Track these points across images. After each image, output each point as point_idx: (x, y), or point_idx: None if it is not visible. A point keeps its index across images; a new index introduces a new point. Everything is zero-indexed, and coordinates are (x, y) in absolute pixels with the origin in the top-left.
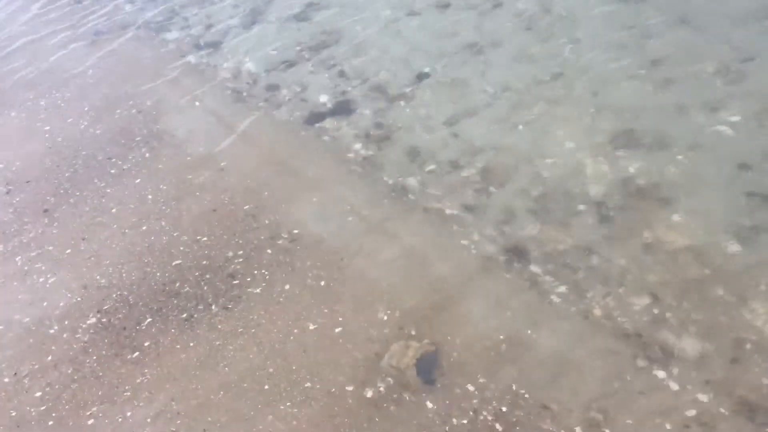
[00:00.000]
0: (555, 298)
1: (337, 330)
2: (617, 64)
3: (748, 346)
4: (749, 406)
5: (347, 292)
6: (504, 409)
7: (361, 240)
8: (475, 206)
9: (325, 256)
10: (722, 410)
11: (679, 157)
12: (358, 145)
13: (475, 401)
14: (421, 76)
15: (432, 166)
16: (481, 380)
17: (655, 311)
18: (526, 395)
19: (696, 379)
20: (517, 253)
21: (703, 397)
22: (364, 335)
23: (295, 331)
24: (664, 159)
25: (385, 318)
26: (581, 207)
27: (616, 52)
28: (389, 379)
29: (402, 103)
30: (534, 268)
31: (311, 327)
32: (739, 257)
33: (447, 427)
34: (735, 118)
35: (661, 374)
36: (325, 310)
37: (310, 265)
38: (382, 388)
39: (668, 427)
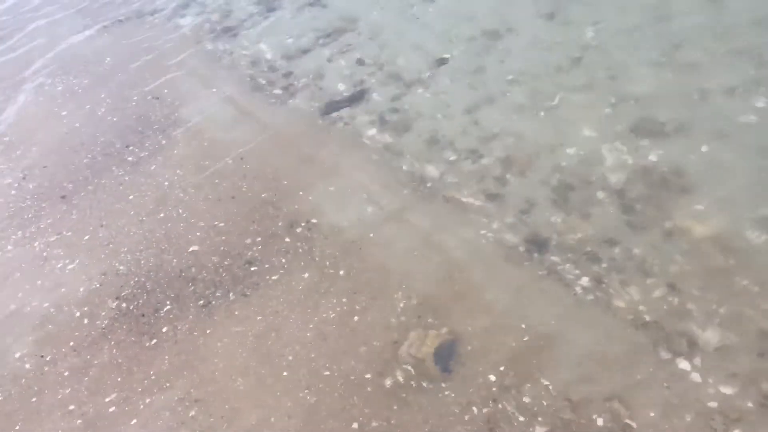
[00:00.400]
0: (576, 289)
1: (355, 318)
2: (638, 49)
3: None
4: None
5: (366, 281)
6: (525, 399)
7: (379, 228)
8: (495, 195)
9: (344, 244)
10: (747, 403)
11: (702, 145)
12: (375, 133)
13: (495, 390)
14: (440, 63)
15: (451, 154)
16: (501, 369)
17: (678, 302)
18: (548, 385)
19: (720, 372)
20: (538, 242)
21: (727, 390)
22: (383, 323)
23: (314, 318)
24: (686, 147)
25: (404, 306)
26: (602, 196)
27: (637, 37)
28: (408, 367)
29: (420, 90)
30: (554, 258)
31: (330, 315)
32: (764, 247)
33: (467, 416)
34: (760, 104)
35: (684, 366)
36: (344, 299)
37: (329, 254)
38: (400, 377)
39: (691, 419)
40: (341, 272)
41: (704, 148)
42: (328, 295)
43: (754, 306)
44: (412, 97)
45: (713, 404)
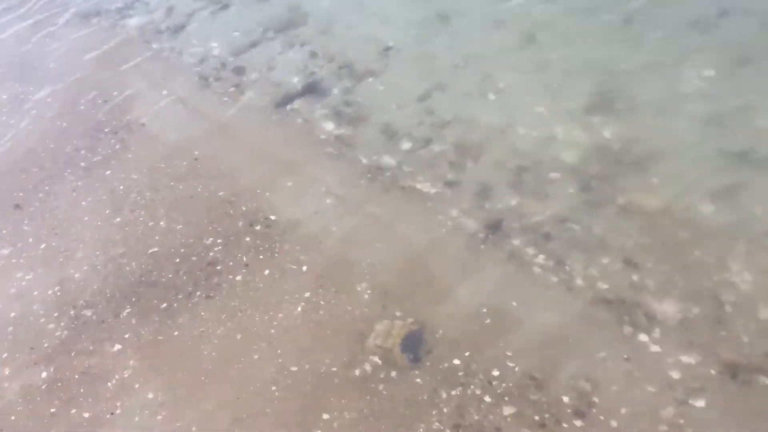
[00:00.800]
0: (537, 270)
1: (320, 312)
2: (588, 24)
3: (728, 306)
4: (732, 365)
5: (328, 275)
6: (492, 382)
7: (339, 221)
8: (452, 182)
9: (304, 239)
10: (706, 371)
11: (654, 118)
12: (330, 126)
13: (462, 375)
14: (390, 51)
15: (407, 143)
16: (467, 354)
17: (636, 277)
18: (514, 367)
19: (680, 342)
20: (497, 226)
21: (687, 360)
22: (348, 316)
23: (279, 315)
24: (638, 121)
25: (368, 298)
26: (557, 176)
27: (587, 12)
28: (376, 358)
29: (372, 79)
30: (514, 241)
31: (294, 311)
32: (715, 217)
33: (436, 402)
34: (709, 74)
35: (645, 339)
36: (307, 294)
37: (290, 249)
38: (368, 368)
39: (654, 390)
40: (303, 268)
41: (655, 121)
42: (291, 292)
43: (708, 276)
44: (365, 88)
45: (675, 374)
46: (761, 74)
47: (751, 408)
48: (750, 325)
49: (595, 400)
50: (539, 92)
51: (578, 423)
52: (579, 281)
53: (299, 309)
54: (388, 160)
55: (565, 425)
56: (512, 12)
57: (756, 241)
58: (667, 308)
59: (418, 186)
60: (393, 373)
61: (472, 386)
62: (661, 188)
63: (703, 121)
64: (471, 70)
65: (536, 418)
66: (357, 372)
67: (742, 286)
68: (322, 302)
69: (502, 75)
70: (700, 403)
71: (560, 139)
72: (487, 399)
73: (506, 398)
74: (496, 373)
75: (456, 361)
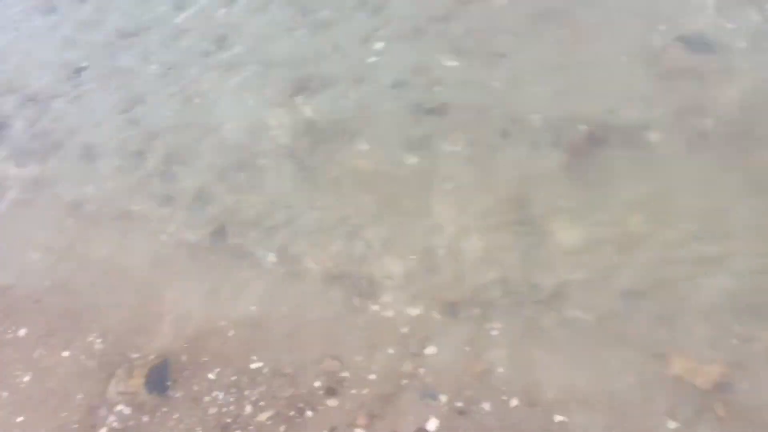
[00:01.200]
0: (267, 265)
1: (52, 376)
2: (274, 20)
3: (439, 250)
4: (451, 304)
5: (53, 333)
6: (245, 391)
7: (53, 273)
8: (167, 195)
9: (18, 303)
10: (432, 316)
11: (348, 91)
12: (15, 169)
13: (216, 394)
14: (79, 71)
15: (112, 164)
16: (217, 371)
17: (358, 247)
18: (263, 369)
19: (405, 298)
20: (220, 231)
21: (413, 312)
22: (83, 372)
23: (3, 394)
24: (335, 97)
25: (102, 346)
26: (271, 163)
27: (271, 10)
28: (120, 407)
29: (63, 103)
30: (239, 242)
31: (21, 383)
32: (416, 167)
33: (195, 430)
34: (382, 45)
35: (374, 306)
36: (34, 356)
37: (3, 318)
38: (115, 422)
39: (393, 350)
40: (21, 332)
41: (350, 94)
42: (13, 363)
43: (418, 226)
44: (56, 114)
45: (404, 329)
46: (427, 39)
47: (473, 337)
48: (458, 263)
49: (345, 375)
50: (242, 87)
51: (332, 402)
52: (306, 266)
53: (27, 379)
54: (92, 189)
55: (320, 408)
56: (198, 20)
57: (448, 181)
58: (390, 269)
59: (133, 208)
60: (144, 417)
61: (228, 402)
62: (369, 152)
63: (388, 85)
64: (170, 77)
65: (292, 413)
66: (104, 430)
67: (446, 227)
68: (50, 364)
69: (204, 77)
70: (431, 350)
71: (269, 127)
72: (246, 410)
73: (262, 403)
74: (247, 381)
75: (210, 378)
